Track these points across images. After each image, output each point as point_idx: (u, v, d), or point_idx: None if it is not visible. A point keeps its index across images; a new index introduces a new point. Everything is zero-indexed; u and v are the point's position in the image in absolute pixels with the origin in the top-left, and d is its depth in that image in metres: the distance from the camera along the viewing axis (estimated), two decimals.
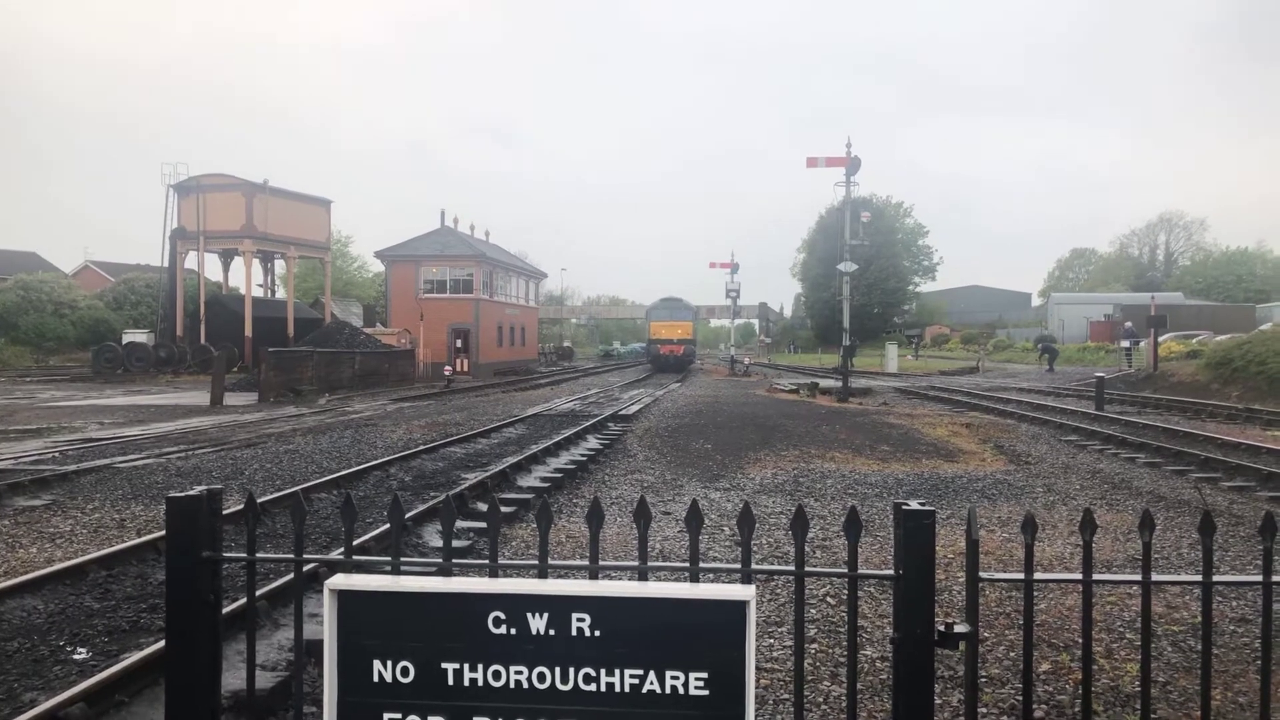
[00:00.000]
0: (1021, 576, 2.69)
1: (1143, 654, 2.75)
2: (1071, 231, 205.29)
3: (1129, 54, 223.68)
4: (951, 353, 73.79)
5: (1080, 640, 5.91)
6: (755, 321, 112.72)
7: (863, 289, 73.64)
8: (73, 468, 13.72)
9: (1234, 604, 6.69)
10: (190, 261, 48.06)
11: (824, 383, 34.83)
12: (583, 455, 15.47)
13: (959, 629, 2.54)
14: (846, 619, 6.37)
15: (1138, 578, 2.73)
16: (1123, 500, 11.42)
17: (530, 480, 13.09)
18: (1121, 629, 6.16)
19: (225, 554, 2.80)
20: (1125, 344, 41.91)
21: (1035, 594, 3.90)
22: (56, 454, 15.64)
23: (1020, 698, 5.01)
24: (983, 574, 2.66)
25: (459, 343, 51.74)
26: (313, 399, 30.26)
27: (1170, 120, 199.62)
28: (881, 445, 16.62)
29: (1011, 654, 5.70)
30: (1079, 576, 2.69)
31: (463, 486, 12.04)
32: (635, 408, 25.37)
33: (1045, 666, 5.49)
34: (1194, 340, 44.14)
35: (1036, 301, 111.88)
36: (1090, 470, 13.88)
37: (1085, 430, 18.65)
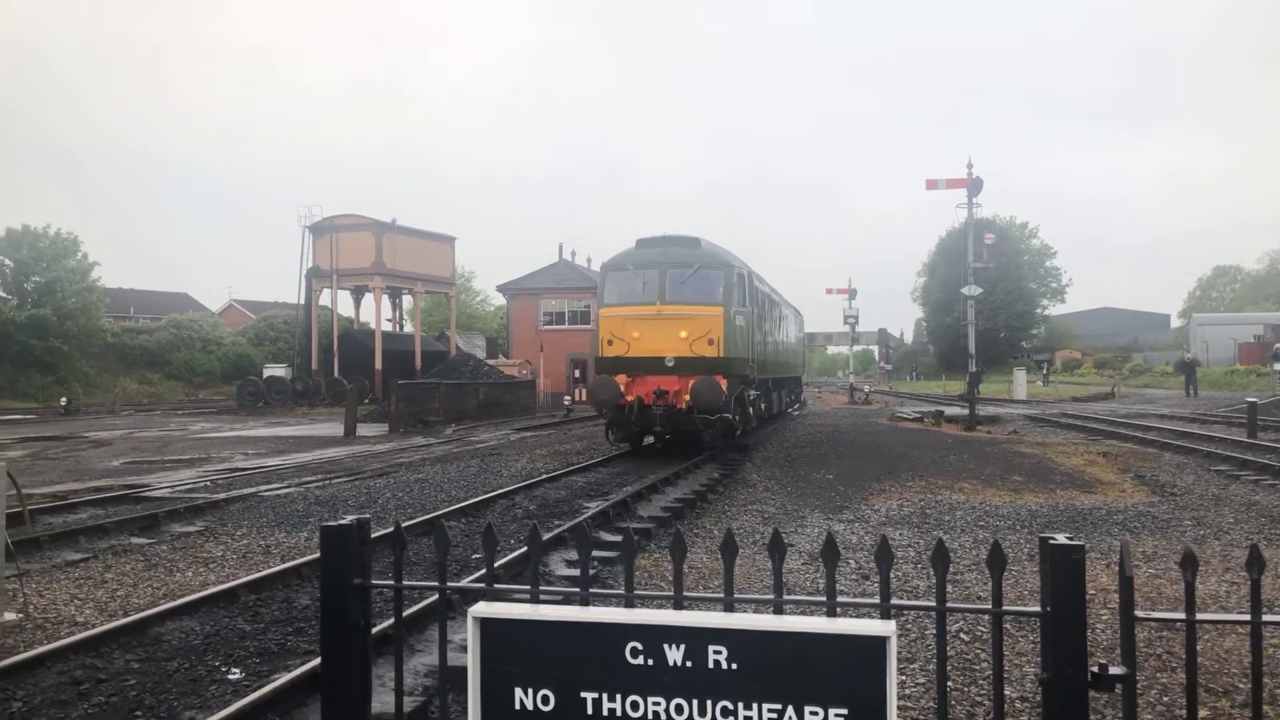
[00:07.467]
0: (1181, 616, 2.56)
1: None
2: (1210, 249, 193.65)
3: (1267, 56, 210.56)
4: (1084, 378, 70.47)
5: (1242, 685, 5.54)
6: (874, 348, 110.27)
7: (988, 313, 71.09)
8: (222, 496, 14.55)
9: None
10: (324, 298, 50.53)
11: (949, 410, 33.75)
12: (701, 485, 15.43)
13: (1114, 670, 2.43)
14: (980, 656, 6.16)
15: None
16: None
17: (651, 509, 13.14)
18: None
19: (374, 581, 2.94)
20: (1279, 367, 39.21)
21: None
22: (208, 483, 16.62)
23: None
24: (1138, 612, 2.53)
25: (577, 373, 52.54)
26: (440, 429, 31.22)
27: None
28: (1013, 475, 15.98)
29: (1164, 698, 5.38)
30: (1247, 617, 2.54)
31: (586, 515, 12.18)
32: (752, 437, 25.15)
33: (1204, 713, 5.16)
34: None
35: (1176, 323, 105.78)
36: (1245, 502, 12.99)
37: (1237, 459, 17.46)
